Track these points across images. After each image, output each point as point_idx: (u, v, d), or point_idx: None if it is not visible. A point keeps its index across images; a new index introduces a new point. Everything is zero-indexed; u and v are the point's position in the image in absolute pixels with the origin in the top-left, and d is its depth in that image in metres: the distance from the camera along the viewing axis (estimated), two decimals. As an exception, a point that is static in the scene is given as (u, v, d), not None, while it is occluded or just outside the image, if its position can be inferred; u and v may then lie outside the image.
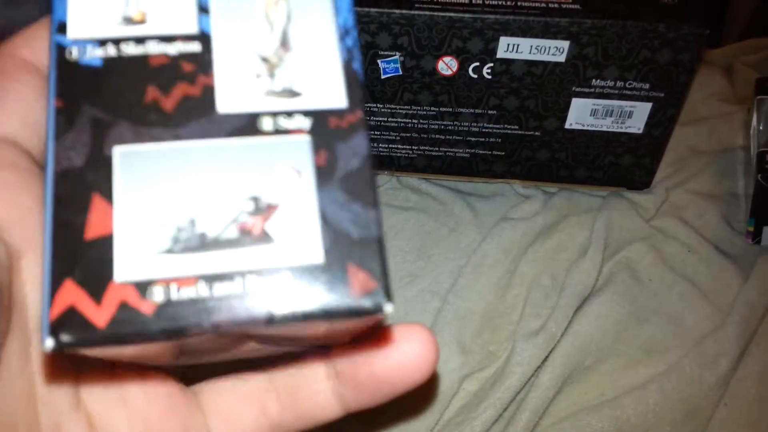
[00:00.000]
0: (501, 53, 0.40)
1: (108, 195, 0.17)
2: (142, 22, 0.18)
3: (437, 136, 0.45)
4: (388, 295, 0.16)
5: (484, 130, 0.44)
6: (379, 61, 0.41)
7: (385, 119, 0.44)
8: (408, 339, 0.21)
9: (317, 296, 0.16)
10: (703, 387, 0.37)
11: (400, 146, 0.46)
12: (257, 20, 0.18)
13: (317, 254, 0.17)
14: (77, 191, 0.17)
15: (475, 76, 0.41)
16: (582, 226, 0.44)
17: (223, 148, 0.17)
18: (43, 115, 0.20)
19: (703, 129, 0.50)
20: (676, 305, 0.41)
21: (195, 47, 0.18)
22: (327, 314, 0.16)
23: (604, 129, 0.43)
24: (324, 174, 0.17)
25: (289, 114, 0.18)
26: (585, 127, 0.43)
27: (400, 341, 0.21)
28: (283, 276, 0.16)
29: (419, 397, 0.37)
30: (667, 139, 0.44)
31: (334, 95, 0.18)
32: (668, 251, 0.43)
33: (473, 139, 0.45)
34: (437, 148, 0.45)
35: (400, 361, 0.21)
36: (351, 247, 0.17)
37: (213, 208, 0.17)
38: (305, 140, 0.17)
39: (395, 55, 0.41)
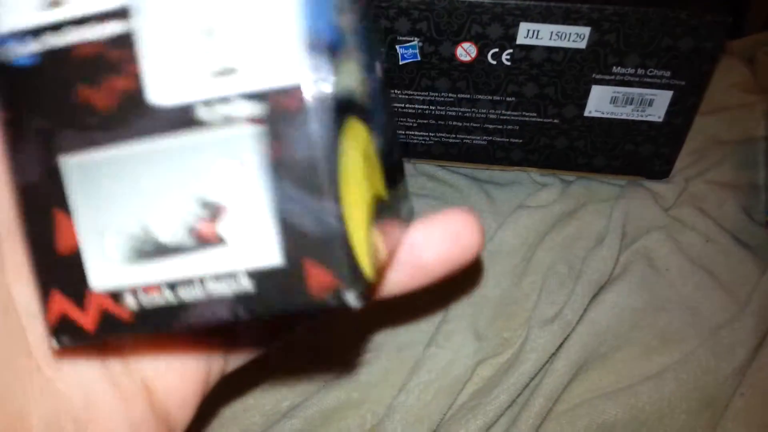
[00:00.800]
0: (521, 39, 0.40)
1: (66, 209, 0.17)
2: (59, 2, 0.16)
3: (454, 123, 0.45)
4: (355, 285, 0.16)
5: (502, 117, 0.44)
6: (397, 46, 0.41)
7: (403, 105, 0.44)
8: (452, 220, 0.21)
9: (277, 298, 0.16)
10: (719, 377, 0.37)
11: (416, 133, 0.46)
12: None
13: (273, 255, 0.16)
14: (39, 207, 0.17)
15: (494, 63, 0.41)
16: (600, 215, 0.44)
17: (164, 148, 0.16)
18: None
19: (724, 119, 0.50)
20: (693, 295, 0.41)
21: (118, 27, 0.16)
22: (289, 313, 0.16)
23: (624, 117, 0.43)
24: (273, 166, 0.15)
25: (229, 99, 0.15)
26: (604, 115, 0.43)
27: (444, 221, 0.21)
28: (241, 279, 0.16)
29: (432, 382, 0.37)
30: (687, 128, 0.43)
31: (282, 68, 0.15)
32: (686, 241, 0.43)
33: (491, 126, 0.45)
34: (454, 135, 0.45)
35: (444, 240, 0.21)
36: (309, 244, 0.16)
37: (163, 214, 0.16)
38: (250, 129, 0.15)
39: (414, 40, 0.41)
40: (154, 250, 0.16)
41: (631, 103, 0.42)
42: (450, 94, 0.43)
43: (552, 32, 0.40)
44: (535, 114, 0.44)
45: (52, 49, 0.16)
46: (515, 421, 0.36)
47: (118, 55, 0.16)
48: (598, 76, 0.41)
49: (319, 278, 0.16)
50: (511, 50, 0.40)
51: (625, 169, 0.46)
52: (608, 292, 0.41)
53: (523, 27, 0.39)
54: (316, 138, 0.15)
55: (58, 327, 0.17)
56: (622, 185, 0.46)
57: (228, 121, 0.15)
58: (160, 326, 0.17)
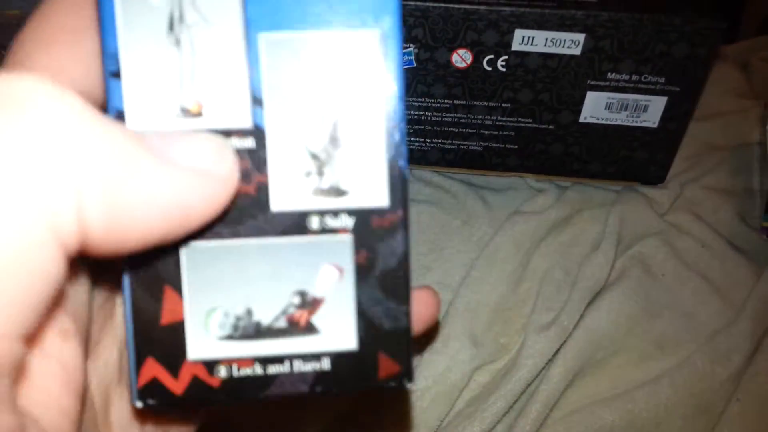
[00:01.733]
0: (516, 46, 0.40)
1: (178, 287, 0.19)
2: (198, 114, 0.18)
3: (450, 128, 0.45)
4: (410, 376, 0.20)
5: (497, 123, 0.44)
6: (393, 52, 0.41)
7: (399, 111, 0.44)
8: (419, 301, 0.23)
9: (351, 377, 0.20)
10: (715, 382, 0.38)
11: (413, 139, 0.46)
12: (309, 114, 0.19)
13: (352, 342, 0.20)
14: (152, 283, 0.19)
15: (490, 69, 0.42)
16: (595, 221, 0.45)
17: (276, 246, 0.19)
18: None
19: (719, 124, 0.50)
20: (689, 300, 0.41)
21: (250, 143, 0.19)
22: (358, 391, 0.20)
23: (619, 123, 0.43)
24: (363, 272, 0.19)
25: (335, 213, 0.19)
26: (599, 121, 0.43)
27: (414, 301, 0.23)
28: (323, 360, 0.20)
29: (429, 388, 0.38)
30: (682, 134, 0.44)
31: (377, 194, 0.19)
32: (682, 246, 0.43)
33: (486, 132, 0.45)
34: (450, 141, 0.46)
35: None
36: (382, 337, 0.20)
37: (266, 301, 0.19)
38: (348, 240, 0.19)
39: (409, 47, 0.41)
40: (253, 330, 0.19)
41: (625, 109, 0.43)
42: (446, 101, 0.44)
43: (547, 39, 0.40)
44: (530, 120, 0.44)
45: None
46: (512, 428, 0.37)
47: (247, 165, 0.19)
48: (593, 82, 0.42)
49: (387, 366, 0.20)
50: (506, 56, 0.41)
51: (621, 175, 0.46)
52: (604, 298, 0.41)
53: (518, 33, 0.40)
54: (399, 252, 0.19)
55: (145, 388, 0.19)
56: (617, 191, 0.47)
57: (332, 230, 0.19)
58: (244, 396, 0.19)
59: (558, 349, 0.39)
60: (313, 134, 0.19)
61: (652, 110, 0.43)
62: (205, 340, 0.19)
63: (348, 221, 0.19)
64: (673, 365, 0.38)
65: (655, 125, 0.43)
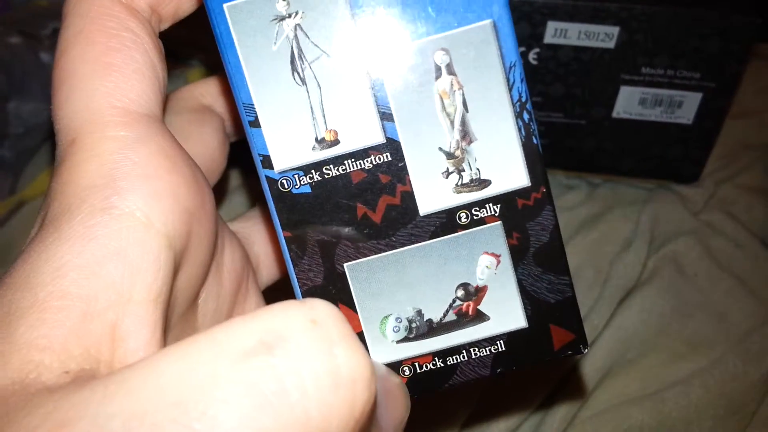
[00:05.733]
0: (548, 38, 0.42)
1: (350, 303, 0.22)
2: (335, 141, 0.21)
3: (479, 122, 0.47)
4: (585, 343, 0.22)
5: (527, 117, 0.46)
6: (423, 43, 0.43)
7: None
8: None
9: (527, 353, 0.22)
10: (747, 383, 0.39)
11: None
12: (437, 117, 0.21)
13: (521, 321, 0.22)
14: None
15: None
16: (627, 219, 0.46)
17: (431, 247, 0.21)
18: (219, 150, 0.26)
19: (754, 122, 0.52)
20: (722, 300, 0.43)
21: (387, 156, 0.21)
22: (537, 364, 0.22)
23: (653, 119, 0.45)
24: (518, 252, 0.21)
25: (481, 204, 0.21)
26: (633, 117, 0.45)
27: None
28: (498, 342, 0.22)
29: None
30: (717, 131, 0.46)
31: (517, 176, 0.21)
32: (715, 246, 0.45)
33: (516, 126, 0.46)
34: (479, 135, 0.47)
35: None
36: (549, 310, 0.22)
37: (433, 299, 0.22)
38: (498, 225, 0.21)
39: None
40: (426, 328, 0.22)
41: (660, 105, 0.44)
42: (475, 94, 0.45)
43: (580, 31, 0.42)
44: (561, 114, 0.46)
45: (330, 178, 0.21)
46: (540, 426, 0.38)
47: (388, 178, 0.21)
48: (627, 77, 0.43)
49: (560, 337, 0.22)
50: (538, 49, 0.43)
51: (654, 172, 0.48)
52: (635, 297, 0.43)
53: (551, 26, 0.42)
54: (549, 226, 0.21)
55: None
56: (650, 188, 0.48)
57: (481, 221, 0.21)
58: (430, 388, 0.22)
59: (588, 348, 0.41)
60: (444, 135, 0.21)
61: (687, 106, 0.44)
62: (385, 346, 0.22)
63: (494, 208, 0.21)
64: (705, 365, 0.40)
65: (690, 122, 0.45)
